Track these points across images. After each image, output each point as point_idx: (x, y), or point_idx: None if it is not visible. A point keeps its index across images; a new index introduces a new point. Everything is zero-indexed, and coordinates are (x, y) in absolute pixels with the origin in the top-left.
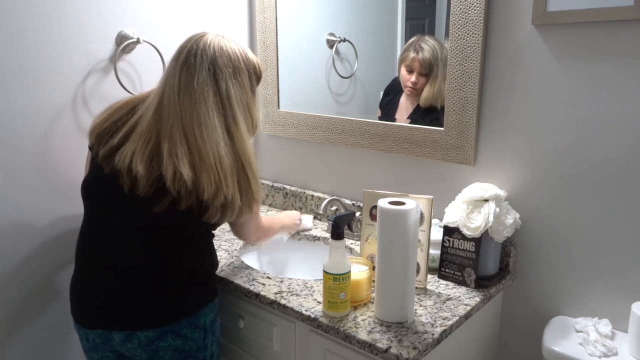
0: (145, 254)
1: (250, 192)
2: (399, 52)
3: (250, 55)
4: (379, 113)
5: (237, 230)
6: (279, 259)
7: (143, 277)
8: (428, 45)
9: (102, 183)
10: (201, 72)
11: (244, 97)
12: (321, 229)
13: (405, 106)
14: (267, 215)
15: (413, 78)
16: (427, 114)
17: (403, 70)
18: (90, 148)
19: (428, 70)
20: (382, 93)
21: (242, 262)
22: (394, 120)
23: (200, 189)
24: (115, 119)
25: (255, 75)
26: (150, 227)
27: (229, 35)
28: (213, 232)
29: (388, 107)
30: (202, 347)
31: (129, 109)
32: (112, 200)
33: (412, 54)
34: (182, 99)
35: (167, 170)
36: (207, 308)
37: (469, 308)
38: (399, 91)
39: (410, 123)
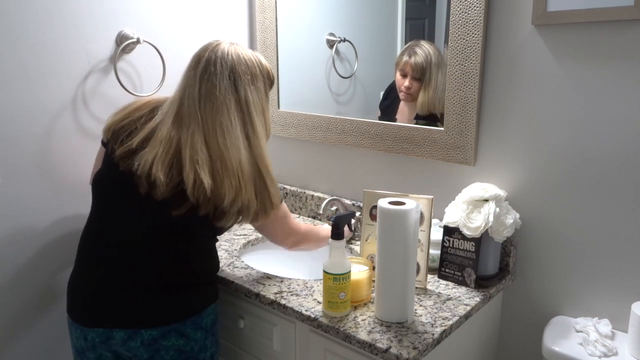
0: (155, 252)
1: (267, 195)
2: (399, 52)
3: (264, 60)
4: (378, 113)
5: (268, 234)
6: (279, 259)
7: (151, 275)
8: (422, 50)
9: (116, 179)
10: (222, 81)
11: (261, 102)
12: None
13: (404, 112)
14: (308, 224)
15: (406, 82)
16: (428, 122)
17: (397, 75)
18: (105, 144)
19: (420, 74)
20: (382, 93)
21: (242, 262)
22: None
23: (220, 197)
24: (134, 119)
25: (269, 80)
26: (163, 227)
27: (229, 35)
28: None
29: (387, 111)
30: (203, 348)
31: (148, 111)
32: (126, 198)
33: (405, 58)
34: (203, 107)
35: (188, 178)
36: (210, 309)
37: (469, 308)
38: (397, 96)
39: None
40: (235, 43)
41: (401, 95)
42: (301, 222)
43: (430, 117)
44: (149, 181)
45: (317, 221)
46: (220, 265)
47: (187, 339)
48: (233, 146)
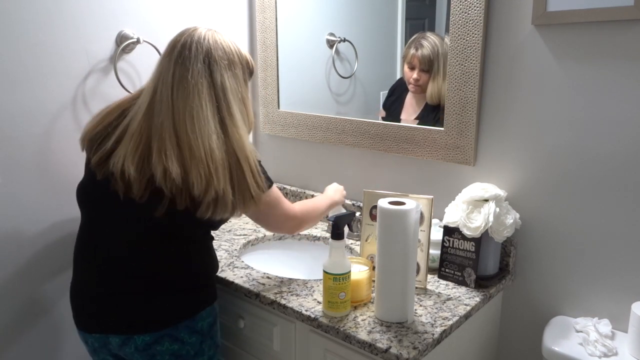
0: (142, 257)
1: (244, 185)
2: (399, 52)
3: (242, 49)
4: (382, 113)
5: (263, 223)
6: (279, 259)
7: (140, 281)
8: (428, 41)
9: (95, 189)
10: (196, 65)
11: (239, 89)
12: (321, 229)
13: (411, 105)
14: (302, 201)
15: (415, 75)
16: (437, 111)
17: (405, 68)
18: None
19: (428, 66)
20: (383, 93)
21: (242, 262)
22: (399, 119)
23: (190, 185)
24: (106, 124)
25: (248, 69)
26: (148, 230)
27: (229, 35)
28: (212, 233)
29: (393, 107)
30: (200, 352)
31: (119, 112)
32: (107, 206)
33: (412, 51)
34: (175, 93)
35: (156, 169)
36: (205, 312)
37: (469, 308)
38: (404, 90)
39: (420, 121)
40: (213, 29)
41: (410, 87)
42: (296, 204)
43: (439, 107)
44: (124, 180)
45: None
46: (220, 265)
47: (182, 343)
48: (202, 132)
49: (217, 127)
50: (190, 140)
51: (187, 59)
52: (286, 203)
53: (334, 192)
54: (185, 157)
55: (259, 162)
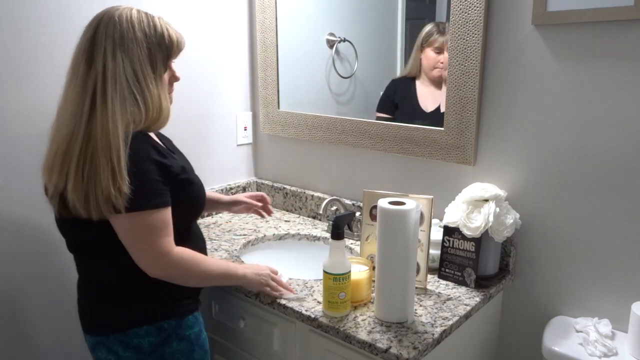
0: (79, 269)
1: (96, 180)
2: (399, 52)
3: (161, 26)
4: (379, 115)
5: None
6: (279, 259)
7: (82, 290)
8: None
9: (56, 220)
10: (81, 43)
11: (131, 69)
12: (321, 229)
13: (430, 92)
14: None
15: (442, 58)
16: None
17: (430, 53)
18: None
19: None
20: (381, 94)
21: (242, 262)
22: (420, 110)
23: (56, 185)
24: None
25: (160, 47)
26: (70, 242)
27: (229, 35)
28: (214, 233)
29: (405, 103)
30: None
31: None
32: (59, 227)
33: (440, 37)
34: (67, 75)
35: (44, 176)
36: (142, 330)
37: (469, 308)
38: (409, 85)
39: (447, 103)
40: (136, 9)
41: (435, 72)
42: (185, 250)
43: None
44: (47, 194)
45: (317, 221)
46: None
47: (117, 355)
48: (65, 117)
49: (84, 111)
50: (58, 134)
51: (80, 38)
52: (169, 242)
53: (257, 268)
54: (52, 156)
55: (148, 175)
